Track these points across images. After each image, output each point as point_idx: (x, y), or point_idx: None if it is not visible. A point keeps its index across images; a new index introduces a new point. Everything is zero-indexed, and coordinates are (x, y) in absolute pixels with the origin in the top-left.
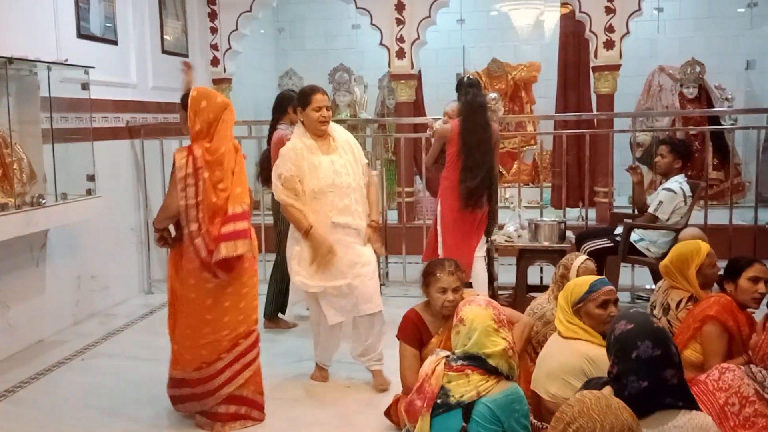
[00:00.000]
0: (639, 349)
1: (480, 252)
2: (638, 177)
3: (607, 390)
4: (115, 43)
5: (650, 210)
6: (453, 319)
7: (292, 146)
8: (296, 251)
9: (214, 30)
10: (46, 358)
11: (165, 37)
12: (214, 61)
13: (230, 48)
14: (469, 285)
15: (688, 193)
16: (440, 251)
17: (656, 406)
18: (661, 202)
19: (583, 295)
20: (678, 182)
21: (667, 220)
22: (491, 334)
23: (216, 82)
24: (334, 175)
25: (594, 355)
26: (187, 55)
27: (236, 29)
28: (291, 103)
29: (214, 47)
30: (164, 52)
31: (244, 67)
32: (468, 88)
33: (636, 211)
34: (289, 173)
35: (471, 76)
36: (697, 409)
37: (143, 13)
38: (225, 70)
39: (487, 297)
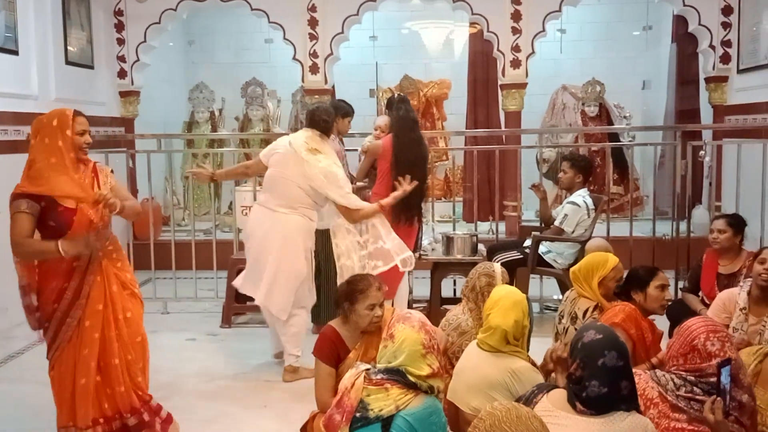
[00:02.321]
0: (605, 358)
1: None
2: (542, 194)
3: (558, 392)
4: (15, 53)
5: (556, 223)
6: (371, 333)
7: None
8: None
9: (121, 41)
10: None
11: (69, 47)
12: (122, 74)
13: (138, 60)
14: None
15: (591, 206)
16: None
17: (609, 409)
18: (566, 216)
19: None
20: (581, 196)
21: (572, 232)
22: (418, 359)
23: (123, 94)
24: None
25: (517, 368)
26: (92, 67)
27: (144, 41)
28: (339, 113)
29: (122, 59)
30: (68, 63)
31: (153, 80)
32: (399, 104)
33: (543, 224)
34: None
35: (401, 93)
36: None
37: (46, 22)
38: (133, 83)
39: (424, 317)
